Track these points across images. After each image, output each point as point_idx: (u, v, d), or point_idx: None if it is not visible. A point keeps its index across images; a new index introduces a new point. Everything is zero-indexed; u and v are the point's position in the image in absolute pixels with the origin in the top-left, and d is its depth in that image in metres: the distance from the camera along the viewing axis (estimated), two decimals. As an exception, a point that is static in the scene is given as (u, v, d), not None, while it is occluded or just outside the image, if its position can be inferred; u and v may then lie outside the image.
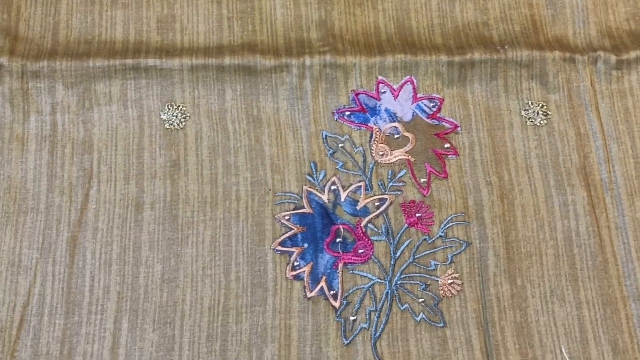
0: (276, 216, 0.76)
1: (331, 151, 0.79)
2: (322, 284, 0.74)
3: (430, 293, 0.74)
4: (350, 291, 0.74)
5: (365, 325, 0.72)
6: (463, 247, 0.76)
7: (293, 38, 0.84)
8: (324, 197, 0.77)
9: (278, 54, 0.82)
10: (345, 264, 0.74)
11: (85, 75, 0.79)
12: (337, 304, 0.73)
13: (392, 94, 0.82)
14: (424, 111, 0.81)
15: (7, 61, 0.79)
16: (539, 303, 0.74)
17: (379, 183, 0.78)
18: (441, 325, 0.73)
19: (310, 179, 0.78)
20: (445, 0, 0.87)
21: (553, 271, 0.75)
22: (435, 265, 0.75)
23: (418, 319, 0.73)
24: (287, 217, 0.76)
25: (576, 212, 0.77)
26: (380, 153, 0.79)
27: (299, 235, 0.75)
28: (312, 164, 0.78)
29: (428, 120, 0.81)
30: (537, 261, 0.75)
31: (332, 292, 0.73)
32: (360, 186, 0.78)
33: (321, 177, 0.78)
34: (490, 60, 0.83)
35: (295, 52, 0.82)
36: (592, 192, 0.79)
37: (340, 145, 0.79)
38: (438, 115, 0.81)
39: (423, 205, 0.77)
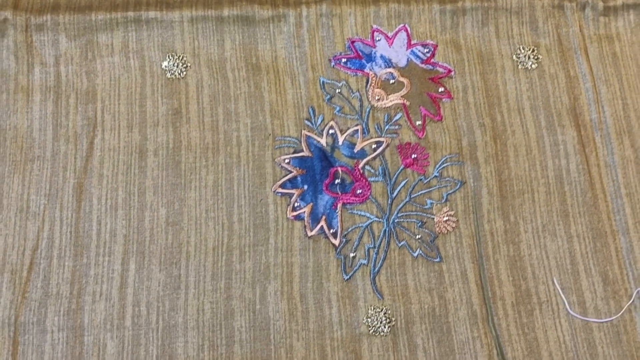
0: (276, 160, 0.78)
1: (328, 96, 0.81)
2: (322, 223, 0.76)
3: (426, 230, 0.76)
4: (350, 229, 0.76)
5: (365, 262, 0.75)
6: (457, 186, 0.78)
7: (289, -12, 0.86)
8: (323, 141, 0.79)
9: (275, 3, 0.83)
10: (344, 204, 0.77)
11: (88, 28, 0.81)
12: (336, 242, 0.76)
13: (387, 41, 0.84)
14: (418, 57, 0.83)
15: (11, 15, 0.80)
16: (531, 238, 0.77)
17: (376, 126, 0.80)
18: (437, 260, 0.75)
19: (308, 123, 0.80)
20: (438, -51, 0.89)
21: (545, 207, 0.78)
22: (431, 203, 0.77)
23: (415, 254, 0.75)
24: (286, 161, 0.78)
25: (567, 151, 0.80)
26: (377, 97, 0.81)
27: (299, 178, 0.78)
28: (310, 109, 0.81)
29: (422, 66, 0.83)
30: (529, 198, 0.78)
31: (331, 231, 0.76)
32: (358, 130, 0.80)
33: (319, 121, 0.80)
34: (481, 7, 0.84)
35: (292, 2, 0.84)
36: (582, 132, 0.81)
37: (337, 90, 0.81)
38: (432, 60, 0.83)
39: (418, 147, 0.79)
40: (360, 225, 0.76)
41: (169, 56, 0.82)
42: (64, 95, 0.80)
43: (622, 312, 0.74)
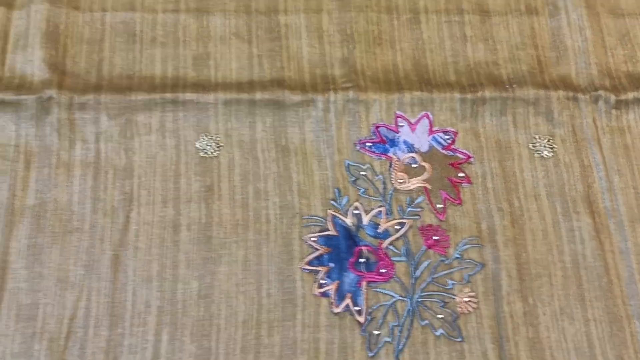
0: (303, 237, 0.82)
1: (353, 178, 0.85)
2: (348, 300, 0.79)
3: (448, 310, 0.79)
4: (374, 307, 0.79)
5: (389, 339, 0.77)
6: (478, 268, 0.81)
7: (318, 74, 0.91)
8: (348, 221, 0.83)
9: (305, 89, 0.88)
10: (368, 282, 0.80)
11: (128, 108, 0.86)
12: (362, 319, 0.78)
13: (410, 127, 0.88)
14: (439, 143, 0.88)
15: (56, 94, 0.85)
16: (549, 320, 0.79)
17: (398, 208, 0.84)
18: (459, 339, 0.78)
19: (334, 203, 0.84)
20: (458, 40, 0.94)
21: (562, 291, 0.81)
22: (453, 284, 0.80)
23: (437, 333, 0.78)
24: (313, 239, 0.82)
25: (582, 237, 0.83)
26: (400, 181, 0.85)
27: (325, 256, 0.81)
28: (336, 190, 0.84)
29: (443, 151, 0.87)
30: (547, 282, 0.81)
31: (357, 308, 0.78)
32: (381, 211, 0.83)
33: (344, 202, 0.84)
34: (500, 97, 0.89)
35: (321, 87, 0.89)
36: (596, 219, 0.85)
37: (362, 173, 0.85)
38: (452, 146, 0.88)
39: (440, 229, 0.83)
40: (385, 303, 0.79)
41: (203, 136, 0.86)
42: (103, 170, 0.84)
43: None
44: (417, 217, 0.83)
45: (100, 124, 0.86)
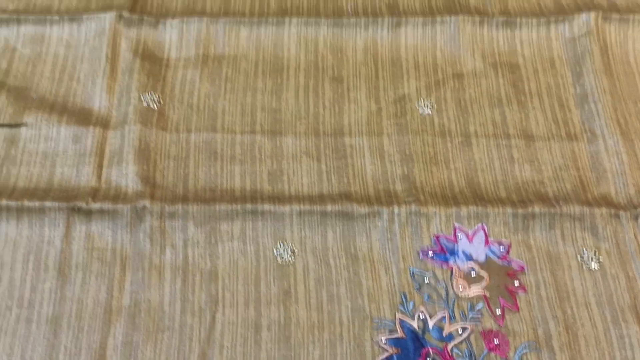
0: (374, 339, 0.89)
1: (418, 285, 0.93)
2: (418, 399, 0.85)
3: (512, 410, 0.85)
4: (443, 406, 0.85)
5: None
6: (537, 371, 0.87)
7: (381, 189, 1.00)
8: (414, 324, 0.90)
9: (370, 202, 0.98)
10: (436, 382, 0.86)
11: (212, 217, 0.95)
12: (432, 417, 0.84)
13: (467, 238, 0.97)
14: (495, 253, 0.96)
15: (149, 204, 0.95)
16: (606, 421, 0.85)
17: (461, 313, 0.91)
18: None
19: (401, 308, 0.91)
20: (506, 161, 1.04)
21: (617, 394, 0.87)
22: (515, 385, 0.86)
23: None
24: (383, 341, 0.88)
25: (632, 344, 0.90)
26: (460, 288, 0.93)
27: (394, 356, 0.87)
28: (402, 295, 0.92)
29: (499, 262, 0.95)
30: (602, 385, 0.87)
31: (427, 407, 0.85)
32: (445, 316, 0.91)
33: (411, 306, 0.91)
34: (548, 213, 0.98)
35: (385, 201, 0.98)
36: (643, 327, 0.92)
37: (425, 280, 0.93)
38: (507, 257, 0.96)
39: (499, 334, 0.90)
40: (452, 403, 0.85)
41: (279, 243, 0.95)
42: (191, 274, 0.92)
43: None
44: (478, 322, 0.90)
45: (187, 231, 0.95)
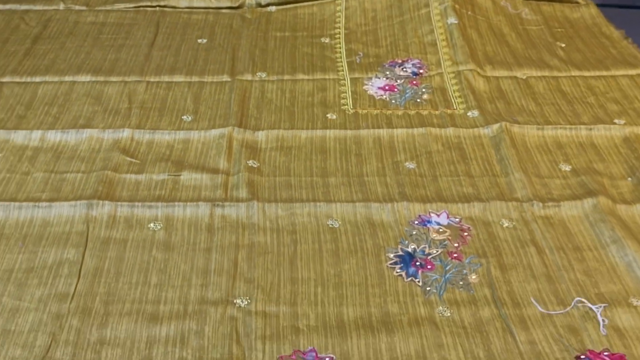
0: (386, 255, 1.58)
1: (410, 234, 1.64)
2: None
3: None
4: None
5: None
6: None
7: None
8: (409, 249, 1.60)
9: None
10: None
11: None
12: None
13: (437, 216, 1.70)
14: (453, 222, 1.68)
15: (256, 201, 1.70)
16: None
17: (435, 245, 1.61)
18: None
19: (400, 243, 1.62)
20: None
21: None
22: None
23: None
24: (391, 255, 1.58)
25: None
26: (434, 234, 1.64)
27: (398, 262, 1.56)
28: (402, 238, 1.63)
29: (456, 225, 1.67)
30: None
31: None
32: (426, 246, 1.61)
33: (406, 242, 1.62)
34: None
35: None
36: None
37: (414, 232, 1.65)
38: (460, 223, 1.68)
39: (457, 252, 1.59)
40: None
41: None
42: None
43: None
44: (444, 247, 1.61)
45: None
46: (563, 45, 2.46)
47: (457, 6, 2.47)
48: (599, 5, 2.75)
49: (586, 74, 2.29)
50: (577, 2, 2.74)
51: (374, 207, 1.71)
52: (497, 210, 1.72)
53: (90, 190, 1.72)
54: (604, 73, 2.30)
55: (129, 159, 1.85)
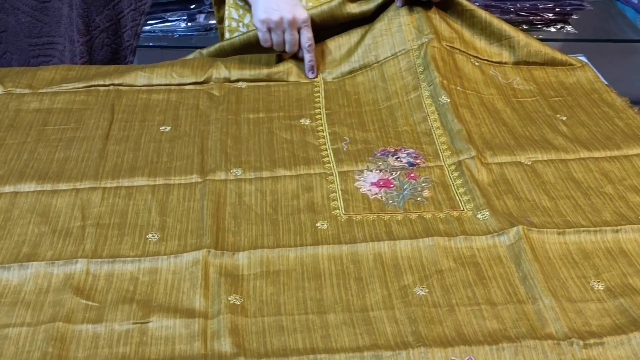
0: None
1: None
2: None
3: None
4: None
5: None
6: None
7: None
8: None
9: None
10: None
11: None
12: None
13: None
14: None
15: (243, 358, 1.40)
16: None
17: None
18: None
19: None
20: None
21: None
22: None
23: None
24: None
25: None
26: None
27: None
28: None
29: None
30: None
31: None
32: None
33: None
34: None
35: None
36: None
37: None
38: None
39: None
40: None
41: None
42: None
43: None
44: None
45: None
46: (564, 118, 2.24)
47: (445, 81, 2.21)
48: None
49: (596, 154, 2.07)
50: (572, 64, 2.53)
51: (386, 356, 1.42)
52: (532, 354, 1.44)
53: (38, 353, 1.39)
54: (616, 153, 2.08)
55: (84, 301, 1.52)
